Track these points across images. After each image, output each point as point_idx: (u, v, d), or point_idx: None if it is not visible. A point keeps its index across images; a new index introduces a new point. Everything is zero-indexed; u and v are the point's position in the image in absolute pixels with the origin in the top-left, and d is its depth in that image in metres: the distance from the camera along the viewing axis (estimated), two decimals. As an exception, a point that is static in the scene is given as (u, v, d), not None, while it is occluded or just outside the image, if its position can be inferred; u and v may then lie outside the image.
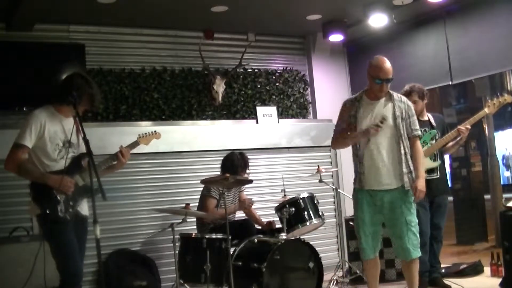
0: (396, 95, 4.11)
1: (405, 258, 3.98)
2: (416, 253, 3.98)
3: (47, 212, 3.41)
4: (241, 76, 6.82)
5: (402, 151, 3.96)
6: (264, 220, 5.48)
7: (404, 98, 4.13)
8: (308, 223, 4.92)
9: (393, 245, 4.16)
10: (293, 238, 4.73)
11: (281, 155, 6.54)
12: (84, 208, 3.65)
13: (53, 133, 3.48)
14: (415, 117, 4.09)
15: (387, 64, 3.99)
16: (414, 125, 4.05)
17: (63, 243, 3.44)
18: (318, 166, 5.48)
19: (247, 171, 5.25)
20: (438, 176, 4.96)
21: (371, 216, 4.01)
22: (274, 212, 5.06)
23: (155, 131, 4.05)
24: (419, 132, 4.10)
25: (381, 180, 3.96)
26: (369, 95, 4.10)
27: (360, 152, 4.02)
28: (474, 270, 5.41)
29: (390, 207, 3.98)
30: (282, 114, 6.88)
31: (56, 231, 3.44)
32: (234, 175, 4.94)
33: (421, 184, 3.93)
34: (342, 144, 4.23)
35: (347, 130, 4.05)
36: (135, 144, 3.87)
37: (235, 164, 5.14)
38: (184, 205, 5.04)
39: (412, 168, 3.98)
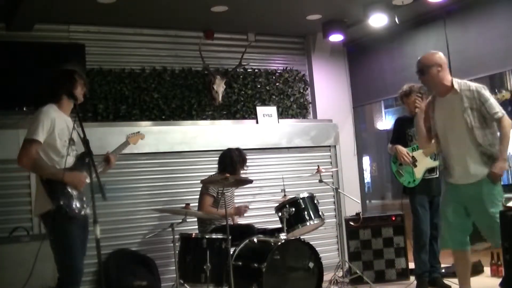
0: (463, 85, 3.92)
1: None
2: None
3: (65, 208, 3.42)
4: (241, 76, 6.82)
5: (475, 143, 3.81)
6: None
7: (472, 86, 3.88)
8: (308, 223, 4.92)
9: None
10: (293, 238, 4.72)
11: (281, 155, 6.54)
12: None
13: (60, 129, 3.54)
14: (490, 101, 3.81)
15: (420, 57, 4.05)
16: (491, 109, 3.79)
17: (72, 240, 3.46)
18: (318, 166, 5.48)
19: (245, 167, 5.25)
20: (438, 176, 4.97)
21: (453, 207, 3.96)
22: (274, 212, 5.06)
23: (138, 131, 4.31)
24: (499, 114, 3.80)
25: (454, 174, 3.93)
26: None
27: (440, 147, 4.01)
28: (474, 270, 5.39)
29: (471, 200, 3.89)
30: (282, 114, 6.87)
31: (68, 228, 3.44)
32: (233, 171, 4.95)
33: (498, 167, 3.75)
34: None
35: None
36: (126, 144, 4.12)
37: (234, 160, 5.13)
38: (184, 205, 5.04)
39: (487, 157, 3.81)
